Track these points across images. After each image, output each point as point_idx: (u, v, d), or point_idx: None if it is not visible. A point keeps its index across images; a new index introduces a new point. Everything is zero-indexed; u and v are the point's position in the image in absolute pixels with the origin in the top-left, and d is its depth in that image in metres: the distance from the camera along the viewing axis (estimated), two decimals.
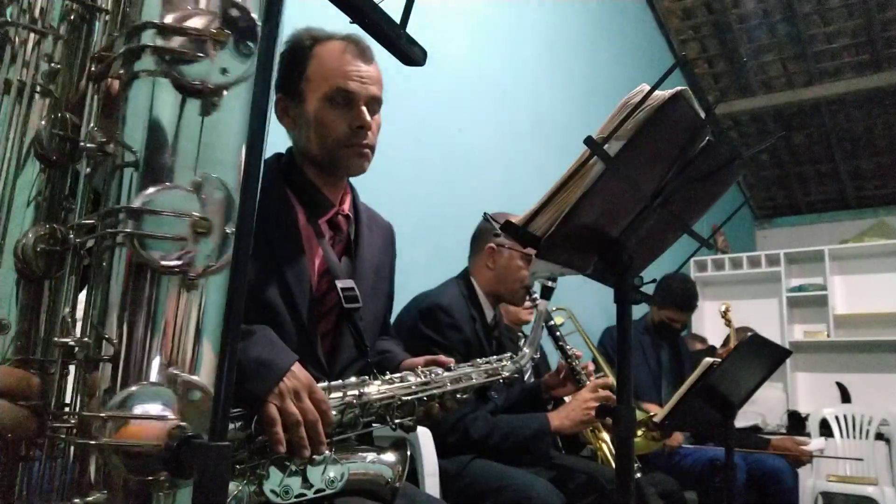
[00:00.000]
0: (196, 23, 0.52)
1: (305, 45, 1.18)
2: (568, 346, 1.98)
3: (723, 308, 3.53)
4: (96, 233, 0.51)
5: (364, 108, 1.17)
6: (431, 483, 1.52)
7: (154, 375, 0.49)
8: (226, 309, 0.47)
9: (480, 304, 1.94)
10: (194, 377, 0.49)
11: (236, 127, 0.54)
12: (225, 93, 0.53)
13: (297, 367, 0.95)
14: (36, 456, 0.50)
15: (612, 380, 1.94)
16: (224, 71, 0.52)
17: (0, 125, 0.53)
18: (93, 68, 0.55)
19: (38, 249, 0.52)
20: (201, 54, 0.52)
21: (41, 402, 0.49)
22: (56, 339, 0.50)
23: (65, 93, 0.55)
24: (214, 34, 0.51)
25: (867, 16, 4.79)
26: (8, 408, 0.47)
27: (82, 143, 0.52)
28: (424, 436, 1.56)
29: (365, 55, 1.19)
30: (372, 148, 1.21)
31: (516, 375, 1.33)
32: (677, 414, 2.04)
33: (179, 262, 0.50)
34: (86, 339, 0.49)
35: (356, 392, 1.02)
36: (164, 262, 0.49)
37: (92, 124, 0.53)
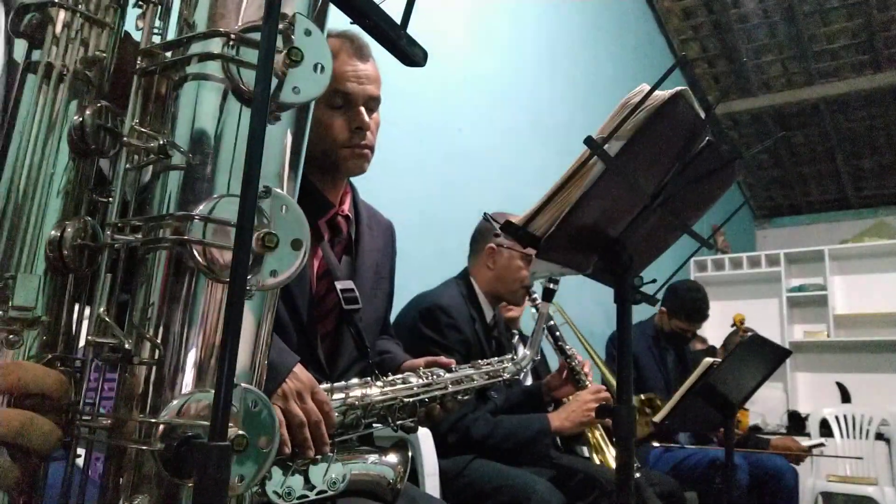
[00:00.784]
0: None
1: None
2: (567, 347, 1.98)
3: (737, 320, 3.53)
4: (149, 235, 0.50)
5: (362, 109, 1.17)
6: (431, 483, 1.52)
7: (208, 383, 0.49)
8: (226, 309, 0.47)
9: (480, 304, 1.94)
10: (253, 387, 0.49)
11: (282, 139, 0.54)
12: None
13: (298, 369, 0.95)
14: (60, 455, 0.49)
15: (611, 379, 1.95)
16: (296, 90, 0.52)
17: (39, 109, 0.51)
18: (141, 63, 0.53)
19: (76, 244, 0.50)
20: (283, 71, 0.52)
21: (68, 402, 0.49)
22: (90, 337, 0.49)
23: (103, 82, 0.54)
24: (292, 54, 0.51)
25: (867, 16, 4.79)
26: (38, 423, 0.46)
27: (126, 139, 0.51)
28: (424, 436, 1.56)
29: (362, 53, 1.18)
30: (371, 148, 1.20)
31: (517, 377, 1.33)
32: (677, 414, 2.04)
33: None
34: (128, 341, 0.49)
35: (358, 393, 1.02)
36: (225, 273, 0.49)
37: (136, 120, 0.52)
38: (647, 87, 0.94)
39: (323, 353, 1.16)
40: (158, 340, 0.49)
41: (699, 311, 3.01)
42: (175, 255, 0.50)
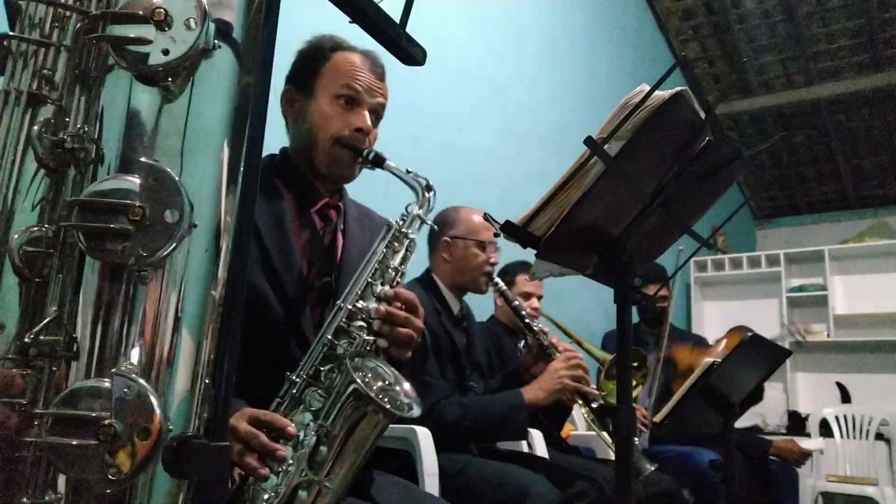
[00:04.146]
0: (139, 6, 0.52)
1: (326, 47, 1.23)
2: (535, 324, 1.99)
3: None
4: (51, 228, 0.52)
5: (367, 113, 1.21)
6: (431, 483, 1.52)
7: (100, 372, 0.49)
8: (225, 308, 0.47)
9: (444, 297, 1.95)
10: (132, 376, 0.48)
11: (210, 114, 0.53)
12: (194, 79, 0.53)
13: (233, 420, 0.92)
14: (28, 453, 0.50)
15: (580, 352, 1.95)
16: (165, 52, 0.52)
17: (3, 134, 0.55)
18: (76, 69, 0.56)
19: (29, 250, 0.52)
20: (145, 38, 0.52)
21: (24, 399, 0.50)
22: (41, 337, 0.50)
23: (67, 99, 0.56)
24: (154, 15, 0.51)
25: (867, 16, 4.79)
26: None
27: (66, 145, 0.53)
28: (424, 436, 1.57)
29: (379, 72, 1.25)
30: None
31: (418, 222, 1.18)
32: (677, 414, 2.04)
33: (116, 252, 0.49)
34: (59, 336, 0.50)
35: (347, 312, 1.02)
36: (99, 253, 0.49)
37: (78, 125, 0.54)
38: (647, 88, 0.94)
39: (313, 335, 1.15)
40: (75, 334, 0.50)
41: (663, 269, 3.01)
42: (65, 245, 0.51)
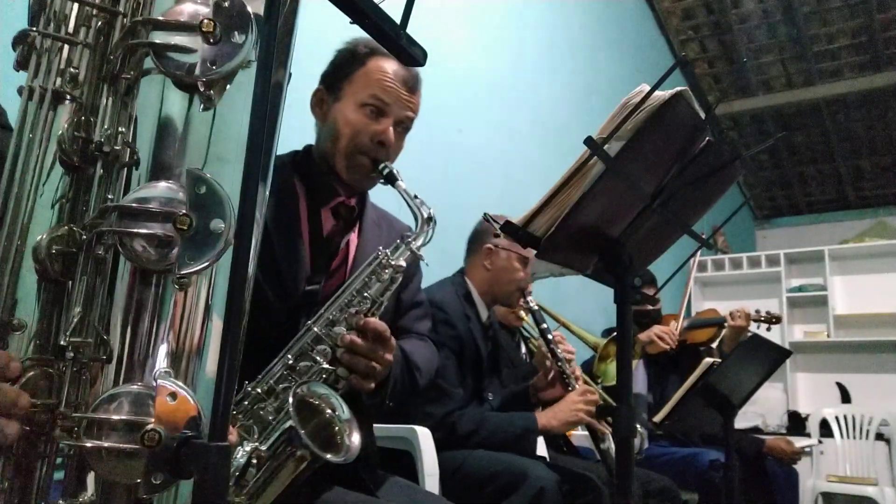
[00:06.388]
0: (185, 15, 0.52)
1: (362, 52, 1.21)
2: (558, 350, 1.97)
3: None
4: (89, 232, 0.51)
5: (391, 128, 1.19)
6: (432, 483, 1.52)
7: (141, 378, 0.49)
8: (226, 307, 0.47)
9: (475, 303, 1.95)
10: (170, 380, 0.48)
11: (242, 121, 0.53)
12: (228, 87, 0.53)
13: None
14: (48, 453, 0.50)
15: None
16: (212, 63, 0.52)
17: (27, 131, 0.54)
18: (106, 69, 0.55)
19: (54, 251, 0.52)
20: (190, 47, 0.52)
21: (43, 400, 0.49)
22: (65, 339, 0.50)
23: (90, 97, 0.56)
24: (203, 26, 0.51)
25: (867, 16, 4.79)
26: None
27: (92, 145, 0.53)
28: (424, 436, 1.57)
29: (411, 84, 1.24)
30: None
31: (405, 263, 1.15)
32: (677, 414, 2.04)
33: (159, 259, 0.49)
34: (88, 339, 0.49)
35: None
36: (146, 260, 0.49)
37: (106, 126, 0.53)
38: (647, 88, 0.94)
39: None
40: (108, 337, 0.49)
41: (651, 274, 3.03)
42: (107, 248, 0.50)
